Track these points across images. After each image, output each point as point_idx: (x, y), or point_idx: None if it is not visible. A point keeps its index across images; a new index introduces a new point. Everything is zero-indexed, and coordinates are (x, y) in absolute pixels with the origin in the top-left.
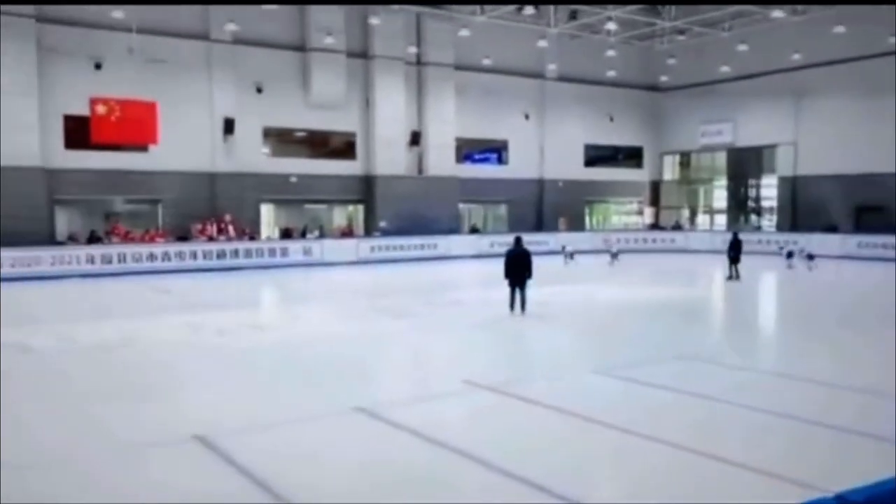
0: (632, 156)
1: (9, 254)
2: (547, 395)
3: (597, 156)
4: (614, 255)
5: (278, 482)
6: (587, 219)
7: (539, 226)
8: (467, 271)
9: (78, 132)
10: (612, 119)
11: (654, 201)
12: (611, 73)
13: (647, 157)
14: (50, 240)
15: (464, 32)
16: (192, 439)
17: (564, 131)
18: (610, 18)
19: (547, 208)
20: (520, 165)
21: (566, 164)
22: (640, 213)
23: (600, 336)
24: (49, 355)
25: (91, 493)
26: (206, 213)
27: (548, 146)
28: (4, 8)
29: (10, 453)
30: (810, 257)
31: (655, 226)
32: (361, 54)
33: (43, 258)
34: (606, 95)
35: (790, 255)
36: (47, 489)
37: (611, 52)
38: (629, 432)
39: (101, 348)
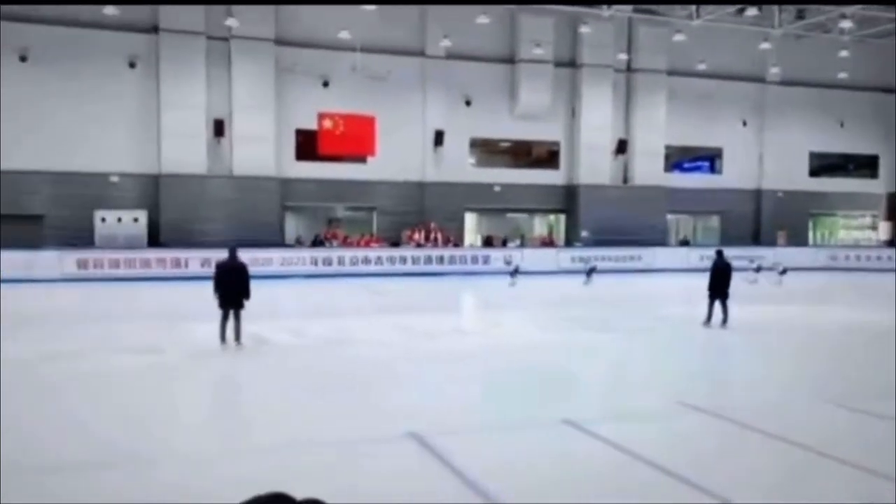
0: (865, 165)
1: (247, 254)
2: (773, 422)
3: (823, 164)
4: None
5: (491, 486)
6: (810, 233)
7: (756, 239)
8: (673, 285)
9: (307, 144)
10: (842, 125)
11: (892, 215)
12: (842, 75)
13: (884, 167)
14: (280, 242)
15: (679, 37)
16: (407, 436)
17: (787, 138)
18: (844, 16)
19: (765, 220)
20: (735, 174)
21: (788, 174)
22: (874, 227)
23: (825, 361)
24: (283, 348)
25: (315, 480)
26: (416, 220)
27: (767, 154)
28: (247, 32)
29: (259, 433)
30: None
31: (893, 242)
32: (569, 63)
33: (274, 259)
34: (836, 99)
35: None
36: (285, 477)
37: (843, 53)
38: (875, 473)
39: (326, 343)
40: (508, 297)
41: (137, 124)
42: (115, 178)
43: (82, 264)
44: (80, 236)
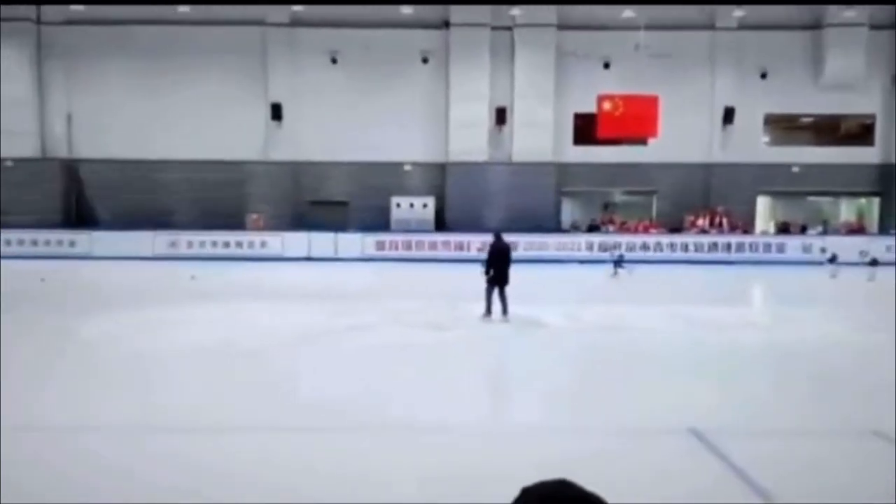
0: None
1: (523, 238)
2: None
3: None
4: None
5: (777, 492)
6: None
7: None
8: None
9: (585, 128)
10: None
11: None
12: None
13: None
14: (556, 227)
15: None
16: (687, 432)
17: None
18: None
19: None
20: None
21: None
22: None
23: None
24: (557, 331)
25: (595, 467)
26: (700, 204)
27: None
28: (530, 19)
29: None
30: None
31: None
32: (890, 25)
33: (550, 244)
34: None
35: None
36: (566, 459)
37: None
38: None
39: (600, 329)
40: (805, 291)
41: (428, 116)
42: (408, 167)
43: (379, 246)
44: (378, 220)
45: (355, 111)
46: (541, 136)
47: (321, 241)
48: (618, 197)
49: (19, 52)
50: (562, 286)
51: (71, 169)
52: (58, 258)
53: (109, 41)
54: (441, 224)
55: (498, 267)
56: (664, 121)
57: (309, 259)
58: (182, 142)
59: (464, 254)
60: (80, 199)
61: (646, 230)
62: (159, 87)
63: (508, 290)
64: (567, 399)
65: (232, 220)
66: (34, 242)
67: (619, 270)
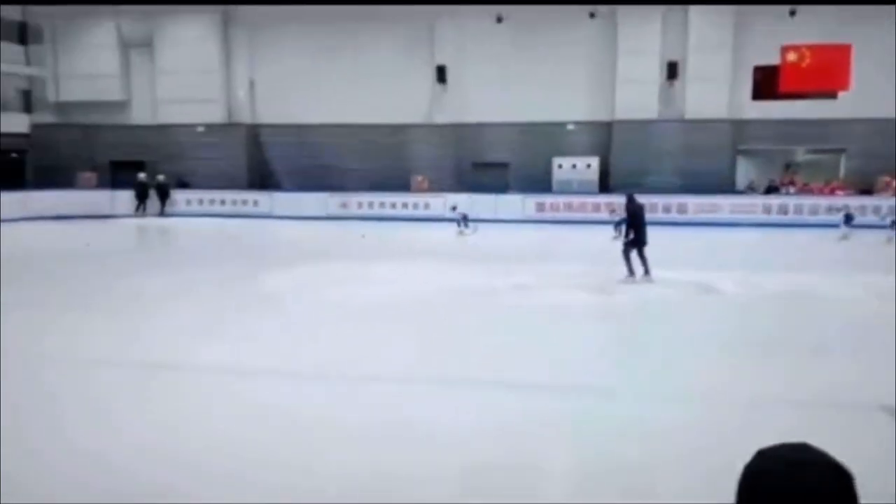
0: None
1: (693, 200)
2: None
3: None
4: None
5: None
6: None
7: None
8: None
9: (766, 82)
10: None
11: None
12: None
13: None
14: (730, 189)
15: None
16: (880, 409)
17: None
18: None
19: None
20: None
21: None
22: None
23: None
24: (731, 298)
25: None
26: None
27: None
28: None
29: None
30: None
31: None
32: None
33: (723, 205)
34: None
35: None
36: (757, 433)
37: None
38: None
39: (779, 297)
40: None
41: (593, 73)
42: (570, 127)
43: (540, 207)
44: (540, 182)
45: (519, 71)
46: (716, 92)
47: (482, 203)
48: (801, 156)
49: (208, 23)
50: (736, 250)
51: (253, 133)
52: (242, 217)
53: (288, 10)
54: (605, 185)
55: (636, 228)
56: (857, 71)
57: (471, 220)
58: (353, 107)
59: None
60: (261, 162)
61: (832, 192)
62: (332, 54)
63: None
64: (740, 368)
65: (398, 182)
66: (222, 202)
67: (846, 232)
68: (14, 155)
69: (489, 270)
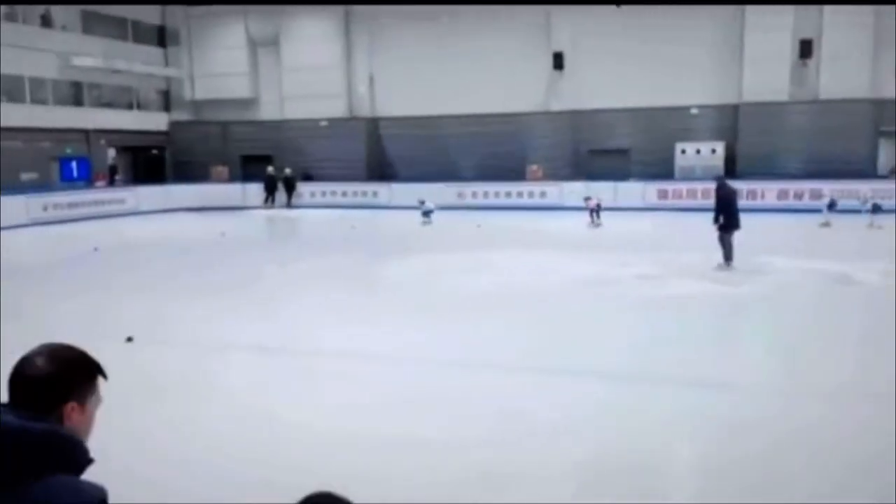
0: None
1: (828, 185)
2: None
3: None
4: None
5: None
6: None
7: None
8: None
9: None
10: None
11: None
12: None
13: None
14: (871, 173)
15: None
16: None
17: None
18: None
19: None
20: None
21: None
22: None
23: None
24: (872, 290)
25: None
26: None
27: None
28: None
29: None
30: None
31: None
32: None
33: (861, 191)
34: None
35: None
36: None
37: None
38: None
39: None
40: None
41: (718, 54)
42: (694, 111)
43: (662, 194)
44: (661, 168)
45: (638, 54)
46: (855, 70)
47: (601, 190)
48: None
49: (330, 21)
50: (877, 239)
51: (373, 127)
52: (362, 207)
53: (406, 6)
54: (731, 171)
55: (727, 213)
56: None
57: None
58: (469, 97)
59: (757, 203)
60: (380, 154)
61: None
62: (448, 46)
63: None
64: (874, 362)
65: (513, 172)
66: (343, 194)
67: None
68: (155, 151)
69: (609, 260)
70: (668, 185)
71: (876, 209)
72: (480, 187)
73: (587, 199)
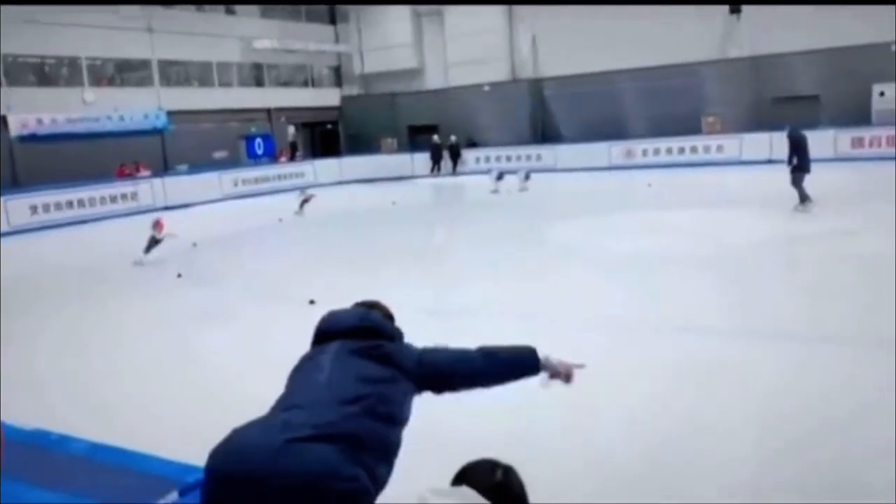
0: None
1: None
2: None
3: None
4: None
5: None
6: None
7: None
8: None
9: None
10: None
11: None
12: None
13: None
14: None
15: None
16: None
17: None
18: None
19: None
20: None
21: None
22: None
23: None
24: None
25: None
26: None
27: None
28: None
29: None
30: None
31: None
32: None
33: None
34: None
35: None
36: None
37: None
38: None
39: None
40: None
41: None
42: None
43: (857, 143)
44: (856, 114)
45: None
46: None
47: (785, 142)
48: None
49: None
50: None
51: (536, 88)
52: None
53: None
54: None
55: (799, 156)
56: None
57: (770, 162)
58: (635, 50)
59: None
60: (544, 115)
61: None
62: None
63: None
64: None
65: (686, 126)
66: (508, 158)
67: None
68: (329, 126)
69: (799, 216)
70: (865, 132)
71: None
72: (651, 144)
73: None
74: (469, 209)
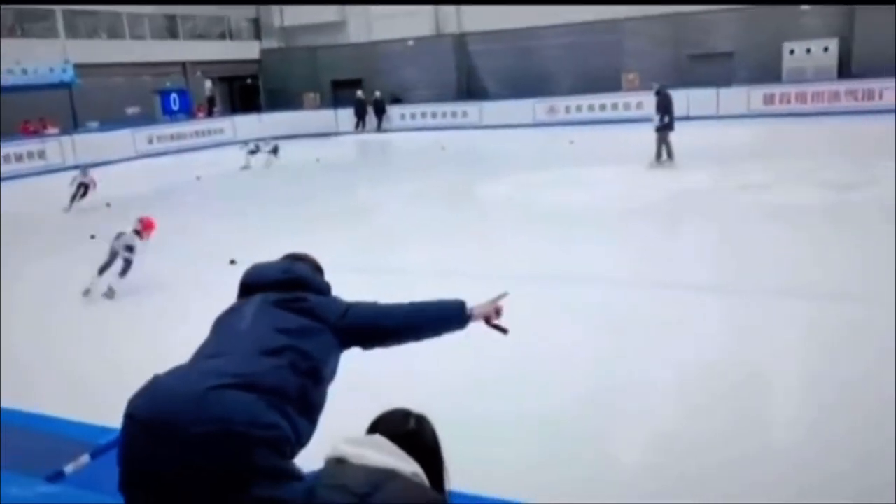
0: None
1: None
2: None
3: None
4: None
5: None
6: None
7: None
8: None
9: None
10: None
11: None
12: None
13: None
14: None
15: None
16: None
17: None
18: None
19: None
20: None
21: None
22: None
23: None
24: None
25: None
26: None
27: None
28: None
29: None
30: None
31: None
32: None
33: None
34: None
35: None
36: None
37: None
38: None
39: None
40: None
41: None
42: (805, 7)
43: (768, 100)
44: (768, 71)
45: None
46: None
47: (701, 98)
48: None
49: None
50: None
51: (461, 43)
52: (452, 129)
53: None
54: (845, 71)
55: (670, 114)
56: None
57: (687, 118)
58: (559, 7)
59: (873, 104)
60: (469, 71)
61: None
62: None
63: None
64: None
65: (608, 83)
66: (433, 115)
67: None
68: (249, 81)
69: (713, 171)
70: (776, 89)
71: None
72: (573, 101)
73: None
74: (397, 167)
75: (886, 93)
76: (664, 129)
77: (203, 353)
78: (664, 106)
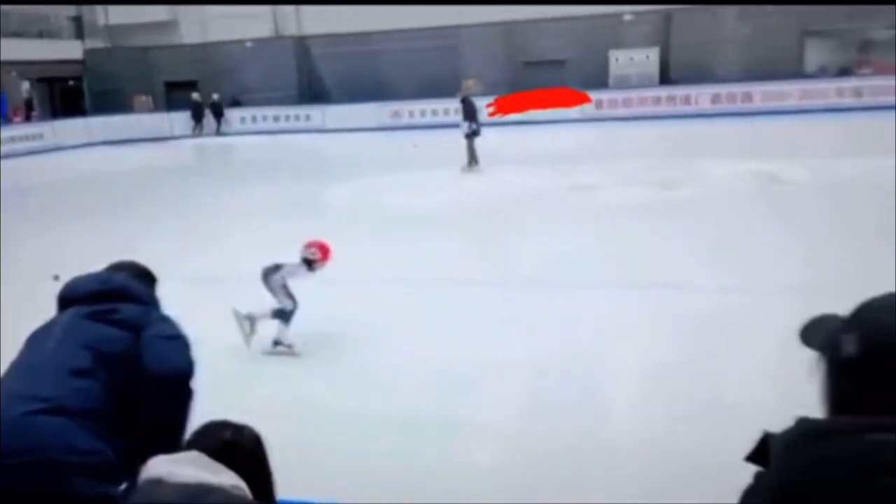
0: None
1: (758, 87)
2: None
3: None
4: None
5: None
6: None
7: None
8: None
9: None
10: None
11: None
12: None
13: None
14: (797, 73)
15: None
16: None
17: None
18: None
19: None
20: None
21: None
22: None
23: None
24: (802, 188)
25: None
26: None
27: None
28: None
29: None
30: None
31: None
32: None
33: (791, 92)
34: None
35: None
36: None
37: None
38: None
39: (851, 186)
40: None
41: None
42: (628, 17)
43: (597, 105)
44: (597, 78)
45: None
46: None
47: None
48: (879, 33)
49: None
50: (806, 138)
51: (302, 46)
52: (295, 132)
53: None
54: (666, 78)
55: (477, 120)
56: None
57: (523, 123)
58: (398, 11)
59: (690, 108)
60: (312, 74)
61: None
62: None
63: None
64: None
65: (448, 88)
66: (275, 118)
67: None
68: (71, 82)
69: (547, 173)
70: (604, 95)
71: None
72: (416, 106)
73: None
74: (237, 173)
75: (701, 97)
76: (473, 136)
77: (10, 376)
78: (470, 113)
